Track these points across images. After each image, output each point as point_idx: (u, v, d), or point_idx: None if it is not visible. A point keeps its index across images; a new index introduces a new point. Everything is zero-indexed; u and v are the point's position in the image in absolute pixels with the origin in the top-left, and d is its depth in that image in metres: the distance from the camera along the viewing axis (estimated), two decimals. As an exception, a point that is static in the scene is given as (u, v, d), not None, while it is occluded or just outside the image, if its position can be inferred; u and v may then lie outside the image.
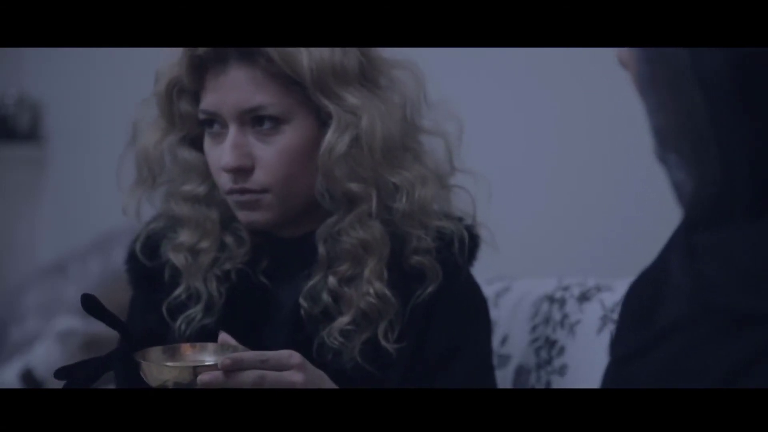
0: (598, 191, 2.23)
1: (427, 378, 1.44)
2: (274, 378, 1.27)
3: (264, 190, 1.42)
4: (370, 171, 1.42)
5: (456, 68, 2.26)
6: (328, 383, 1.34)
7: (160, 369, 1.25)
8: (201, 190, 1.48)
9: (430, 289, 1.45)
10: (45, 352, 2.65)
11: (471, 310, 1.49)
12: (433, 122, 1.49)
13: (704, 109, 0.84)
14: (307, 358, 1.34)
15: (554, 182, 2.30)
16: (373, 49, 1.45)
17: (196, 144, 1.48)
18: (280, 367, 1.28)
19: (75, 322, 2.68)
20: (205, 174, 1.48)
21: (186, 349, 1.32)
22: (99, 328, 2.57)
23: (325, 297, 1.43)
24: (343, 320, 1.42)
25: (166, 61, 1.46)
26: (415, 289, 1.45)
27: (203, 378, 1.24)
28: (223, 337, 1.36)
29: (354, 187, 1.41)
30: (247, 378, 1.26)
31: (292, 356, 1.29)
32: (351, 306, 1.42)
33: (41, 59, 3.53)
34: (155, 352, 1.29)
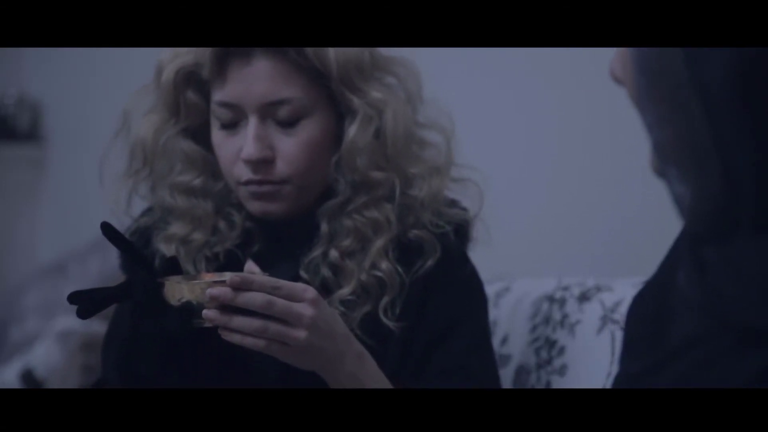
0: (598, 191, 2.23)
1: (426, 353, 1.44)
2: (283, 306, 1.26)
3: (283, 182, 1.43)
4: (391, 161, 1.44)
5: (456, 68, 2.26)
6: (340, 326, 1.33)
7: (179, 287, 1.27)
8: (197, 182, 1.48)
9: (428, 263, 1.45)
10: (45, 352, 2.65)
11: (468, 287, 1.50)
12: (427, 119, 1.51)
13: (704, 120, 0.84)
14: (297, 380, 1.35)
15: (554, 182, 2.30)
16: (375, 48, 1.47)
17: (195, 135, 1.48)
18: (292, 298, 1.27)
19: (75, 322, 2.68)
20: (202, 166, 1.48)
21: (205, 276, 1.35)
22: (99, 328, 2.57)
23: (324, 270, 1.44)
24: (343, 291, 1.44)
25: (166, 52, 1.46)
26: (414, 263, 1.46)
27: (212, 291, 1.24)
28: (249, 265, 1.37)
29: (376, 175, 1.44)
30: (255, 299, 1.25)
31: (307, 290, 1.29)
32: (351, 278, 1.44)
33: (41, 59, 3.54)
34: (175, 278, 1.31)
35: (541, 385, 1.62)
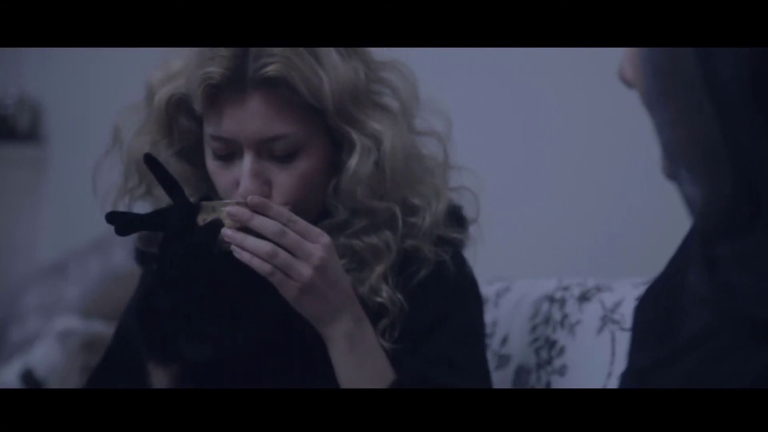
0: (598, 191, 2.23)
1: (413, 345, 1.43)
2: (294, 239, 1.32)
3: None
4: (392, 190, 1.43)
5: (456, 68, 2.26)
6: (346, 283, 1.36)
7: (211, 206, 1.34)
8: (193, 200, 1.48)
9: (422, 273, 1.45)
10: (45, 352, 2.66)
11: (460, 287, 1.48)
12: (423, 121, 1.49)
13: (716, 121, 0.83)
14: (303, 329, 1.36)
15: (554, 182, 2.30)
16: (368, 53, 1.45)
17: (189, 156, 1.48)
18: (306, 236, 1.32)
19: (75, 322, 2.68)
20: (195, 185, 1.48)
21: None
22: (99, 328, 2.57)
23: None
24: None
25: (156, 72, 1.44)
26: (407, 270, 1.45)
27: (230, 209, 1.32)
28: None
29: (377, 204, 1.43)
30: (268, 225, 1.31)
31: (323, 235, 1.34)
32: None
33: (41, 59, 3.54)
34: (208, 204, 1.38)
35: (541, 385, 1.62)
